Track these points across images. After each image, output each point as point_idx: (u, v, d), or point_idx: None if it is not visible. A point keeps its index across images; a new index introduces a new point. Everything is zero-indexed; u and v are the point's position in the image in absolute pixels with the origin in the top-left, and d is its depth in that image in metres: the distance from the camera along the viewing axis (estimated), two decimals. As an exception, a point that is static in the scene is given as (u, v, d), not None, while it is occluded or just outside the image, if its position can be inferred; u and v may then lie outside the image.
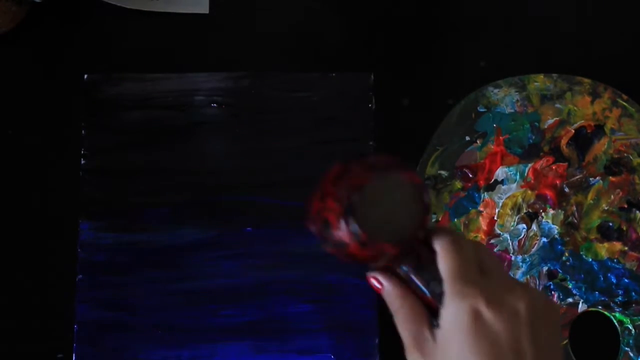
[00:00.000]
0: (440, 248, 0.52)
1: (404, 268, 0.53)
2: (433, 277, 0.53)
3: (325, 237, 0.52)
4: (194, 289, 0.71)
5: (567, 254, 0.72)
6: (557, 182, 0.73)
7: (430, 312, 0.53)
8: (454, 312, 0.51)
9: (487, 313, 0.50)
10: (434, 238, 0.53)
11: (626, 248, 0.72)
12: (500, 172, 0.73)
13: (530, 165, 0.73)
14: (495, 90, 0.75)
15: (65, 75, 0.74)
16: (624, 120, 0.74)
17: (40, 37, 0.75)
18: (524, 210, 0.73)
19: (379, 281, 0.54)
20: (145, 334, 0.70)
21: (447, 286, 0.51)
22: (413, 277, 0.53)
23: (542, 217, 0.72)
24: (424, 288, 0.53)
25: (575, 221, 0.73)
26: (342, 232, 0.51)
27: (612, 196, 0.73)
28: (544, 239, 0.72)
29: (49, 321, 0.70)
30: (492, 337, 0.50)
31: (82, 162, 0.73)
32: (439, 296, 0.52)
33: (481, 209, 0.73)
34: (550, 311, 0.53)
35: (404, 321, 0.53)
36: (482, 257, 0.53)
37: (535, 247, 0.72)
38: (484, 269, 0.53)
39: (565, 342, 0.71)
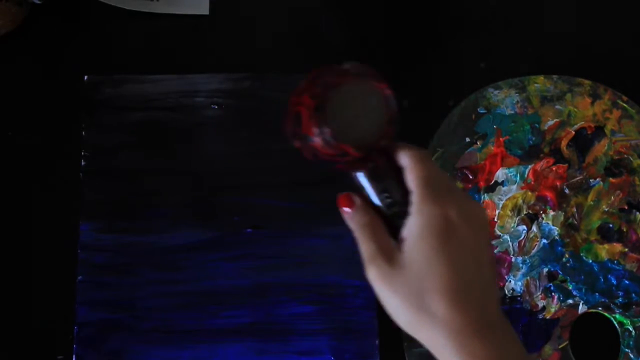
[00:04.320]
0: (412, 158, 0.54)
1: (361, 176, 0.55)
2: (385, 189, 0.55)
3: (295, 130, 0.54)
4: (195, 290, 0.71)
5: (567, 256, 0.72)
6: (558, 183, 0.73)
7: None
8: (426, 216, 0.53)
9: (457, 219, 0.53)
10: (401, 151, 0.55)
11: (626, 249, 0.72)
12: (500, 174, 0.73)
13: (530, 166, 0.73)
14: (496, 92, 0.75)
15: (66, 76, 0.74)
16: (624, 121, 0.74)
17: (41, 39, 0.75)
18: (524, 212, 0.73)
19: (349, 199, 0.56)
20: (146, 336, 0.70)
21: (419, 193, 0.53)
22: (369, 185, 0.55)
23: (543, 219, 0.72)
24: (377, 197, 0.55)
25: (576, 222, 0.73)
26: (311, 126, 0.53)
27: (612, 197, 0.73)
28: (544, 241, 0.72)
29: (49, 322, 0.70)
30: (459, 242, 0.52)
31: (82, 163, 0.73)
32: (389, 207, 0.54)
33: (481, 210, 0.73)
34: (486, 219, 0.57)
35: (372, 233, 0.54)
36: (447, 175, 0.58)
37: (536, 248, 0.72)
38: (449, 185, 0.56)
39: (566, 343, 0.71)
